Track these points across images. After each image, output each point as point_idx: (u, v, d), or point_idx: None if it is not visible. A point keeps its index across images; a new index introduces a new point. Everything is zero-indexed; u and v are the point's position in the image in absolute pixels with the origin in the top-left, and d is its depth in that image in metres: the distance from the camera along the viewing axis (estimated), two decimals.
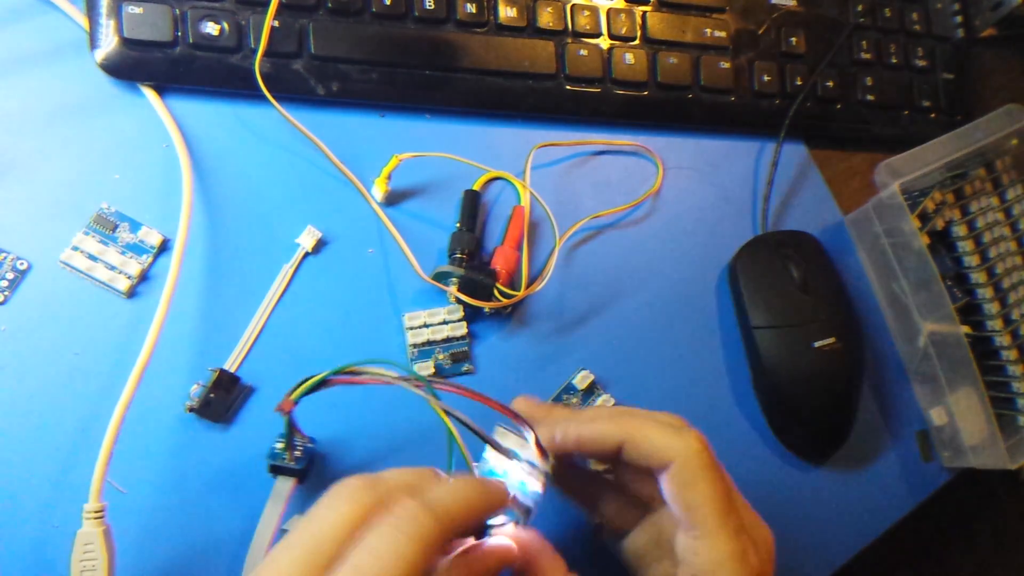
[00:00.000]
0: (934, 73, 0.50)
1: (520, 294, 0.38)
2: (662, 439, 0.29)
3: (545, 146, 0.42)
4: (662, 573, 0.31)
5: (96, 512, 0.31)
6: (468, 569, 0.27)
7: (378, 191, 0.38)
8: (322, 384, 0.30)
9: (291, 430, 0.32)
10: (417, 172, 0.40)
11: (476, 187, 0.41)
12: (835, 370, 0.41)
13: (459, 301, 0.38)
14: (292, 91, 0.38)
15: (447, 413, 0.28)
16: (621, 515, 0.34)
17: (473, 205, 0.40)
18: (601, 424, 0.31)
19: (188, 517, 0.34)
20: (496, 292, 0.38)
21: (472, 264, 0.38)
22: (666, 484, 0.29)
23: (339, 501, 0.25)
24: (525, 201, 0.41)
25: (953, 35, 0.51)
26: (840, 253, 0.47)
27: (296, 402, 0.30)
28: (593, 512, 0.34)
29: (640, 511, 0.33)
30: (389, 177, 0.38)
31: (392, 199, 0.40)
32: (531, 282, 0.40)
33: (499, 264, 0.39)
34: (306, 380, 0.30)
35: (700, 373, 0.43)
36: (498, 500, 0.28)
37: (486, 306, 0.38)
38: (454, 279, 0.37)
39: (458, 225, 0.40)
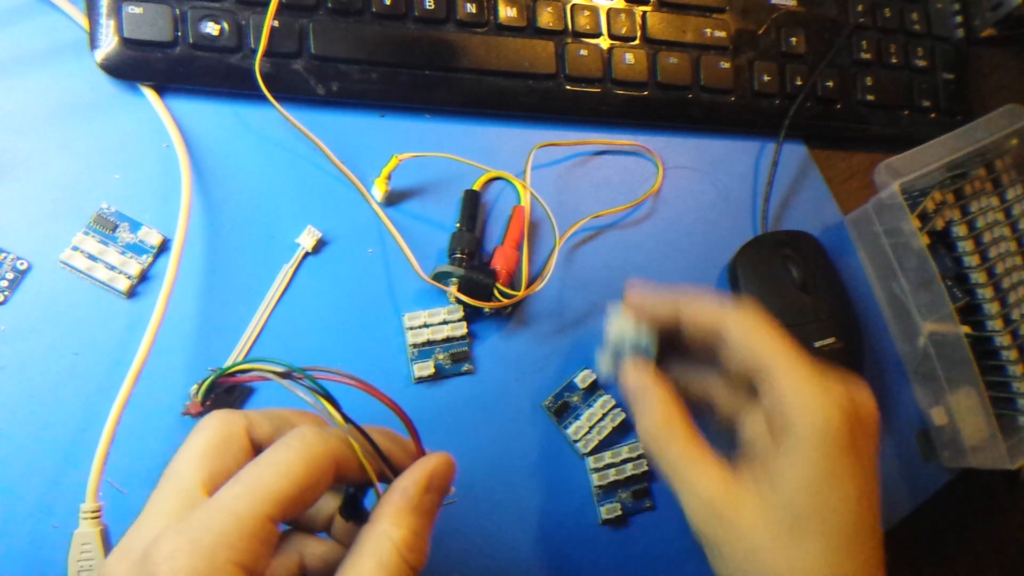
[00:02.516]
0: (934, 73, 0.50)
1: (520, 294, 0.38)
2: (706, 315, 0.31)
3: (545, 146, 0.42)
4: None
5: (93, 512, 0.31)
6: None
7: (378, 191, 0.38)
8: (216, 385, 0.29)
9: None
10: (417, 172, 0.40)
11: (476, 187, 0.41)
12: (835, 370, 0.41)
13: (459, 301, 0.38)
14: (292, 91, 0.38)
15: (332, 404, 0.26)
16: (728, 402, 0.33)
17: (473, 205, 0.40)
18: (656, 300, 0.33)
19: None
20: (496, 292, 0.38)
21: (472, 264, 0.38)
22: (730, 345, 0.30)
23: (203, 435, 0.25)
24: (525, 201, 0.41)
25: (953, 35, 0.51)
26: (840, 253, 0.47)
27: (204, 404, 0.29)
28: (702, 403, 0.35)
29: (746, 397, 0.32)
30: (389, 177, 0.38)
31: (392, 199, 0.40)
32: (531, 282, 0.40)
33: (499, 264, 0.39)
34: (202, 383, 0.29)
35: None
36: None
37: (486, 306, 0.38)
38: (454, 279, 0.37)
39: (458, 225, 0.40)
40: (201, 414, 0.29)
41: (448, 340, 0.38)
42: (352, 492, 0.28)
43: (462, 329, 0.38)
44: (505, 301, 0.38)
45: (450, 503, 0.27)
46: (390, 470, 0.26)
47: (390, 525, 0.24)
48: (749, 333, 0.30)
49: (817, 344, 0.41)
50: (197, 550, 0.21)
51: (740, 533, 0.28)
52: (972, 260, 0.47)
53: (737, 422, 0.32)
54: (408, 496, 0.25)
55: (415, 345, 0.38)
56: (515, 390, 0.40)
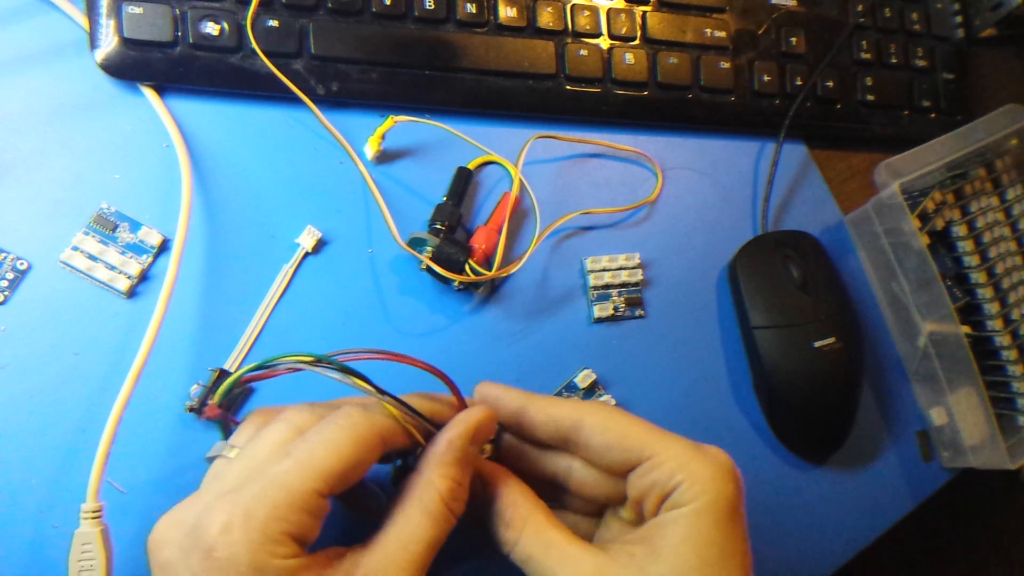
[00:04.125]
0: (934, 73, 0.50)
1: (490, 274, 0.38)
2: (560, 407, 0.29)
3: (543, 137, 0.42)
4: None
5: (93, 512, 0.31)
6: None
7: (370, 149, 0.39)
8: (238, 384, 0.29)
9: (227, 432, 0.32)
10: (415, 147, 0.40)
11: (471, 166, 0.41)
12: (835, 370, 0.41)
13: (429, 270, 0.37)
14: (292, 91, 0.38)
15: (379, 391, 0.27)
16: (581, 525, 0.32)
17: (463, 182, 0.40)
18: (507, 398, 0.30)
19: None
20: (468, 268, 0.37)
21: (450, 237, 0.38)
22: (595, 437, 0.28)
23: (280, 425, 0.26)
24: (515, 186, 0.41)
25: (953, 35, 0.51)
26: (840, 253, 0.47)
27: (221, 405, 0.29)
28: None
29: (598, 509, 0.31)
30: (383, 137, 0.39)
31: (383, 159, 0.40)
32: (505, 265, 0.40)
33: (478, 243, 0.39)
34: (218, 387, 0.29)
35: (700, 373, 0.43)
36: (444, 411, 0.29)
37: (456, 279, 0.37)
38: (428, 247, 0.37)
39: (444, 198, 0.40)
40: (219, 416, 0.29)
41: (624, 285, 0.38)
42: (401, 464, 0.29)
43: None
44: (474, 277, 0.37)
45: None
46: (435, 427, 0.27)
47: (436, 476, 0.26)
48: (616, 422, 0.28)
49: (817, 344, 0.41)
50: (251, 522, 0.22)
51: None
52: (972, 260, 0.47)
53: (586, 506, 0.31)
54: (454, 448, 0.26)
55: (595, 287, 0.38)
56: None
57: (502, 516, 0.28)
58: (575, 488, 0.30)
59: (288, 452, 0.24)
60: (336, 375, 0.26)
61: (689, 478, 0.26)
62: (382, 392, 0.26)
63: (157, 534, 0.24)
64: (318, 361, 0.26)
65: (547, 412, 0.29)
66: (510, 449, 0.31)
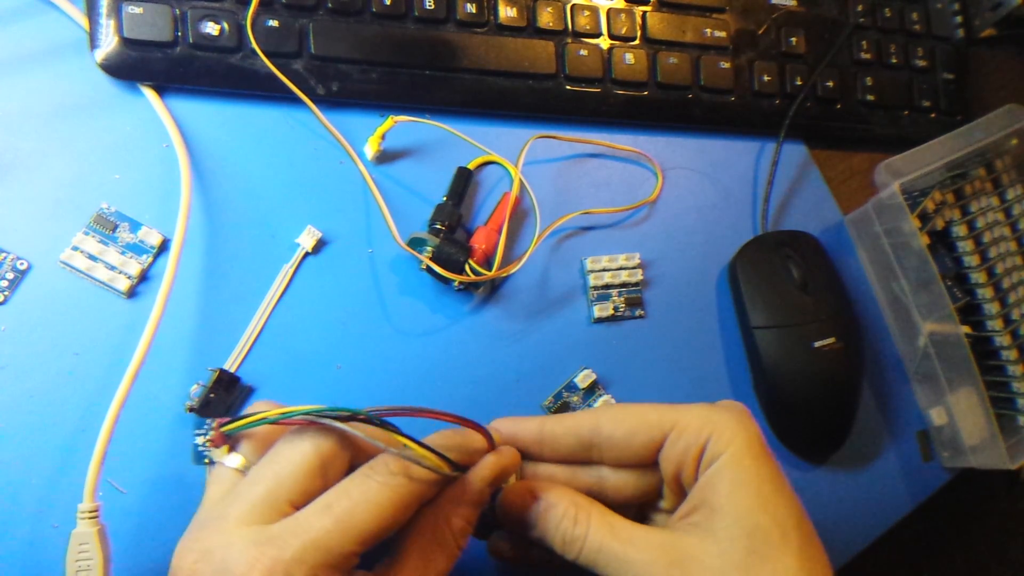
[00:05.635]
0: (934, 73, 0.50)
1: (491, 274, 0.38)
2: (574, 416, 0.31)
3: (543, 137, 0.42)
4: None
5: (90, 512, 0.31)
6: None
7: (370, 149, 0.39)
8: (254, 424, 0.28)
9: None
10: (415, 147, 0.40)
11: (471, 166, 0.41)
12: (835, 370, 0.41)
13: (429, 270, 0.37)
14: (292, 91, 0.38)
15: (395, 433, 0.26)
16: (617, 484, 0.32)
17: (463, 182, 0.40)
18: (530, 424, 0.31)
19: (187, 517, 0.34)
20: (468, 268, 0.37)
21: (450, 236, 0.38)
22: (616, 431, 0.29)
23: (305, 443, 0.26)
24: (515, 186, 0.41)
25: (953, 35, 0.51)
26: (840, 253, 0.47)
27: (225, 435, 0.28)
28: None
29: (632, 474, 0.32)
30: (383, 137, 0.39)
31: (383, 159, 0.40)
32: (505, 265, 0.40)
33: (478, 243, 0.39)
34: (240, 418, 0.27)
35: (700, 373, 0.43)
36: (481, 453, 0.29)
37: (456, 279, 0.37)
38: (428, 247, 0.37)
39: (444, 198, 0.40)
40: (223, 444, 0.29)
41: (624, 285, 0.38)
42: None
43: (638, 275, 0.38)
44: (474, 277, 0.37)
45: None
46: (463, 470, 0.28)
47: (452, 515, 0.27)
48: (629, 410, 0.30)
49: (817, 344, 0.41)
50: None
51: None
52: (972, 260, 0.47)
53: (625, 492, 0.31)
54: (473, 490, 0.27)
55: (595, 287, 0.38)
56: (515, 389, 0.40)
57: (567, 515, 0.28)
58: (611, 494, 0.31)
59: (329, 506, 0.24)
60: (380, 438, 0.25)
61: (716, 428, 0.28)
62: (423, 446, 0.26)
63: (183, 562, 0.24)
64: (354, 416, 0.25)
65: (563, 424, 0.31)
66: (535, 479, 0.32)
